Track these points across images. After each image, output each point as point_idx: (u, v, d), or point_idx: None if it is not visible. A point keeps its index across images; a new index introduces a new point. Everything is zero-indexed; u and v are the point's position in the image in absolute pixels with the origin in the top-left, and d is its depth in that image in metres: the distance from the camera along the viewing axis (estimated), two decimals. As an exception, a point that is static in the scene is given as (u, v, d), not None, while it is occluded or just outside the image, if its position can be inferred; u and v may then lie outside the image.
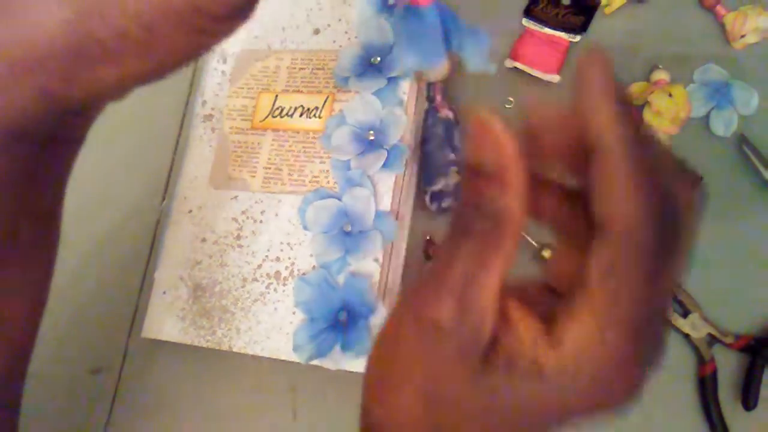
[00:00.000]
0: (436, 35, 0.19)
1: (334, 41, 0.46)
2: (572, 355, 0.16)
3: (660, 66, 0.42)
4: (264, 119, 0.46)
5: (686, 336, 0.39)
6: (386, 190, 0.41)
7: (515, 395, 0.16)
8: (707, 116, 0.42)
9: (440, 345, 0.17)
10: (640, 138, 0.16)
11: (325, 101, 0.44)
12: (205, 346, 0.42)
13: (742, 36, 0.42)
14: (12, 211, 0.21)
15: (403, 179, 0.42)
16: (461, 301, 0.16)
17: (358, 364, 0.39)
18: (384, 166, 0.41)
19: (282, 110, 0.45)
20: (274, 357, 0.41)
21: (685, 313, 0.39)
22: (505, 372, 0.16)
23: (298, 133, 0.44)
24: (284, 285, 0.42)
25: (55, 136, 0.21)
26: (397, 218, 0.41)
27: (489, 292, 0.17)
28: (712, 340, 0.39)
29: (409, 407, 0.18)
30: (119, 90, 0.20)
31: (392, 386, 0.18)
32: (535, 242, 0.41)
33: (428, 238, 0.44)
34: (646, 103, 0.41)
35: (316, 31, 0.46)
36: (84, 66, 0.18)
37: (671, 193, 0.16)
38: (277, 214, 0.43)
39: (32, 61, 0.17)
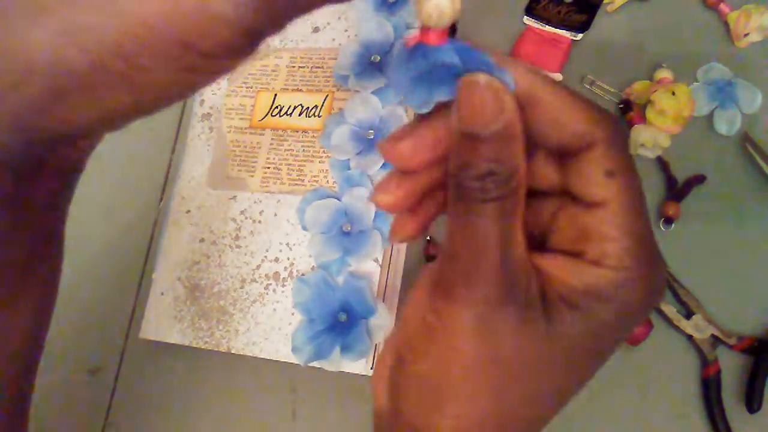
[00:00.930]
0: (449, 77, 0.17)
1: (334, 39, 0.45)
2: (616, 268, 0.17)
3: (663, 64, 0.42)
4: (263, 118, 0.45)
5: (689, 337, 0.39)
6: (386, 189, 0.40)
7: (583, 328, 0.17)
8: (711, 115, 0.41)
9: (497, 321, 0.17)
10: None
11: (325, 100, 0.44)
12: (203, 347, 0.42)
13: (746, 34, 0.41)
14: None
15: (404, 179, 0.42)
16: (505, 268, 0.17)
17: (358, 366, 0.38)
18: (384, 165, 0.40)
19: (281, 109, 0.45)
20: (273, 358, 0.41)
21: (689, 314, 0.39)
22: (570, 309, 0.17)
23: (297, 132, 0.44)
24: (283, 286, 0.41)
25: (41, 165, 0.20)
26: (397, 218, 0.41)
27: (524, 249, 0.18)
28: (716, 341, 0.38)
29: (482, 406, 0.17)
30: (103, 123, 0.19)
31: (455, 392, 0.18)
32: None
33: (428, 238, 0.43)
34: (649, 101, 0.40)
35: (316, 29, 0.46)
36: (57, 97, 0.16)
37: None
38: (276, 215, 0.43)
39: (1, 87, 0.16)
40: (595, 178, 0.17)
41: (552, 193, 0.20)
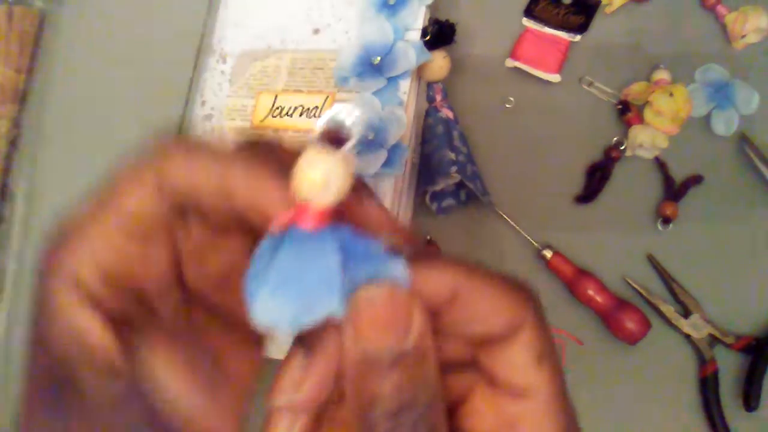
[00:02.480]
0: (327, 271, 0.13)
1: (334, 41, 0.45)
2: None
3: (661, 65, 0.42)
4: (264, 119, 0.45)
5: (687, 336, 0.39)
6: (386, 190, 0.41)
7: None
8: (708, 116, 0.41)
9: None
10: None
11: (325, 101, 0.44)
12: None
13: (743, 36, 0.42)
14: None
15: (403, 179, 0.42)
16: None
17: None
18: (384, 166, 0.40)
19: (282, 110, 0.45)
20: (273, 358, 0.41)
21: (686, 314, 0.39)
22: None
23: (298, 133, 0.44)
24: (284, 285, 0.42)
25: None
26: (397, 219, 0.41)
27: None
28: (713, 340, 0.39)
29: None
30: None
31: None
32: (536, 242, 0.41)
33: (429, 238, 0.43)
34: (647, 102, 0.40)
35: (316, 31, 0.46)
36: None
37: None
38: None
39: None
40: (523, 364, 0.16)
41: (463, 367, 0.17)
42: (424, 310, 0.15)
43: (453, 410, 0.18)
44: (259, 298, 0.14)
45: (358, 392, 0.14)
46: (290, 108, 0.45)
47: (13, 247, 0.52)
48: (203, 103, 0.48)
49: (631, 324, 0.38)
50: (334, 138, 0.14)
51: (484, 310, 0.16)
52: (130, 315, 0.17)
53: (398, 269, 0.14)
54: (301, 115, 0.44)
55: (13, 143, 0.53)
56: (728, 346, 0.38)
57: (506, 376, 0.16)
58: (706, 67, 0.42)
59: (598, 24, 0.44)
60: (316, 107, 0.44)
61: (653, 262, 0.40)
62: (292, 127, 0.44)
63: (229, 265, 0.19)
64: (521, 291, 0.16)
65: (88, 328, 0.16)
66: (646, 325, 0.38)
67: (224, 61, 0.48)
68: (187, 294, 0.19)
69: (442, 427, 0.15)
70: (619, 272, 0.40)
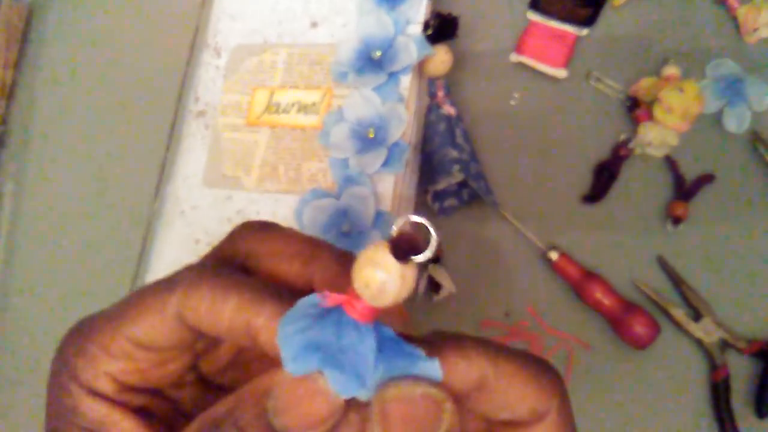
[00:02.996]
0: (363, 358, 0.14)
1: (333, 35, 0.44)
2: None
3: (671, 60, 0.41)
4: (260, 116, 0.44)
5: (698, 341, 0.38)
6: (386, 189, 0.39)
7: None
8: (720, 112, 0.40)
9: None
10: None
11: (323, 97, 0.43)
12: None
13: (755, 30, 0.41)
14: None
15: (404, 178, 0.41)
16: None
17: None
18: (384, 164, 0.39)
19: (278, 106, 0.44)
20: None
21: (697, 317, 0.38)
22: None
23: (294, 130, 0.43)
24: (281, 288, 0.40)
25: None
26: (398, 219, 0.40)
27: None
28: (725, 345, 0.38)
29: None
30: None
31: None
32: (542, 244, 0.40)
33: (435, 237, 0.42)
34: (657, 98, 0.39)
35: (314, 25, 0.45)
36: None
37: None
38: (273, 214, 0.42)
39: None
40: None
41: None
42: (454, 409, 0.15)
43: None
44: (297, 353, 0.15)
45: None
46: (287, 104, 0.43)
47: (1, 245, 0.51)
48: (196, 99, 0.47)
49: (640, 328, 0.37)
50: (406, 245, 0.14)
51: (511, 398, 0.16)
52: (151, 408, 0.18)
53: (432, 367, 0.15)
54: (298, 111, 0.43)
55: (0, 140, 0.51)
56: (740, 350, 0.37)
57: None
58: (717, 62, 0.41)
59: (605, 17, 0.43)
60: (314, 103, 0.43)
61: (663, 263, 0.39)
62: (289, 124, 0.43)
63: (238, 348, 0.20)
64: (548, 375, 0.16)
65: (114, 420, 0.17)
66: (656, 329, 0.37)
67: (219, 56, 0.47)
68: (200, 377, 0.20)
69: None
70: (628, 274, 0.39)
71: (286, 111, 0.44)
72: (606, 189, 0.40)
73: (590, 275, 0.39)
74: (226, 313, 0.17)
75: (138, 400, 0.18)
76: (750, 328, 0.38)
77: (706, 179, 0.39)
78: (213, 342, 0.20)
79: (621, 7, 0.43)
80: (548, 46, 0.42)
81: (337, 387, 0.14)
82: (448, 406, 0.15)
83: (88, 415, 0.17)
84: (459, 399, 0.15)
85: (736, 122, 0.40)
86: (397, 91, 0.40)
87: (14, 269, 0.49)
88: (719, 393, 0.37)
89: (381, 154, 0.39)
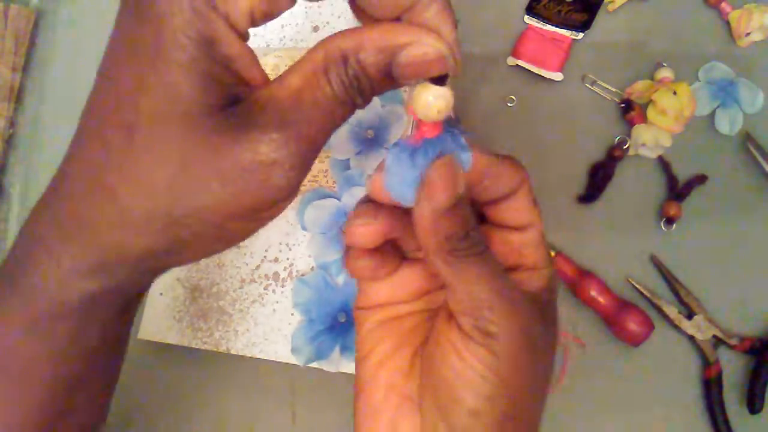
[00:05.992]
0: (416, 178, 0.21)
1: (333, 39, 0.45)
2: (544, 268, 0.24)
3: (664, 64, 0.41)
4: (262, 118, 0.45)
5: (691, 338, 0.38)
6: (386, 189, 0.40)
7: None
8: (712, 114, 0.41)
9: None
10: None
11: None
12: (202, 348, 0.42)
13: (747, 34, 0.41)
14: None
15: (404, 179, 0.42)
16: (503, 294, 0.21)
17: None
18: (384, 165, 0.40)
19: (280, 109, 0.44)
20: (273, 359, 0.40)
21: (690, 315, 0.39)
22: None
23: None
24: (282, 286, 0.41)
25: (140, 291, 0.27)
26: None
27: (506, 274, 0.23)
28: (717, 341, 0.38)
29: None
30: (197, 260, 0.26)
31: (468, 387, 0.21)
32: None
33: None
34: (650, 101, 0.40)
35: (316, 29, 0.46)
36: (173, 253, 0.22)
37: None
38: (275, 214, 0.43)
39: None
40: (524, 208, 0.23)
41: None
42: (463, 175, 0.21)
43: None
44: (394, 180, 0.21)
45: (436, 233, 0.20)
46: (289, 107, 0.44)
47: (9, 247, 0.51)
48: (201, 101, 0.47)
49: (634, 325, 0.37)
50: (438, 77, 0.20)
51: (501, 182, 0.23)
52: None
53: (467, 155, 0.21)
54: (299, 113, 0.44)
55: (8, 142, 0.52)
56: (732, 347, 0.38)
57: (512, 218, 0.24)
58: (710, 65, 0.42)
59: (600, 22, 0.43)
60: (315, 106, 0.44)
61: (656, 262, 0.40)
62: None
63: None
64: (516, 162, 0.23)
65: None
66: (650, 326, 0.38)
67: (222, 59, 0.48)
68: None
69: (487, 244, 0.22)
70: (622, 273, 0.40)
71: (288, 113, 0.44)
72: (601, 189, 0.41)
73: (585, 274, 0.39)
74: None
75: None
76: (742, 326, 0.39)
77: (699, 180, 0.40)
78: None
79: (615, 12, 0.43)
80: (544, 50, 0.43)
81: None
82: (459, 169, 0.21)
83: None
84: (470, 186, 0.22)
85: (729, 124, 0.40)
86: (397, 92, 0.41)
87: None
88: (712, 389, 0.38)
89: (381, 155, 0.40)
